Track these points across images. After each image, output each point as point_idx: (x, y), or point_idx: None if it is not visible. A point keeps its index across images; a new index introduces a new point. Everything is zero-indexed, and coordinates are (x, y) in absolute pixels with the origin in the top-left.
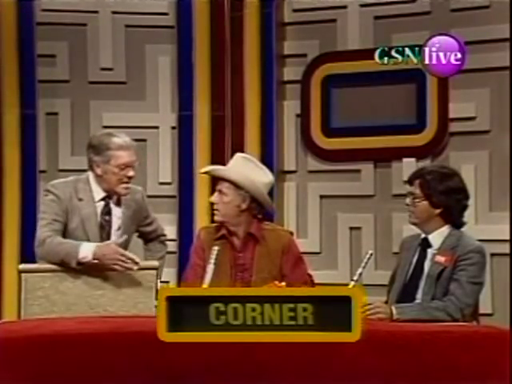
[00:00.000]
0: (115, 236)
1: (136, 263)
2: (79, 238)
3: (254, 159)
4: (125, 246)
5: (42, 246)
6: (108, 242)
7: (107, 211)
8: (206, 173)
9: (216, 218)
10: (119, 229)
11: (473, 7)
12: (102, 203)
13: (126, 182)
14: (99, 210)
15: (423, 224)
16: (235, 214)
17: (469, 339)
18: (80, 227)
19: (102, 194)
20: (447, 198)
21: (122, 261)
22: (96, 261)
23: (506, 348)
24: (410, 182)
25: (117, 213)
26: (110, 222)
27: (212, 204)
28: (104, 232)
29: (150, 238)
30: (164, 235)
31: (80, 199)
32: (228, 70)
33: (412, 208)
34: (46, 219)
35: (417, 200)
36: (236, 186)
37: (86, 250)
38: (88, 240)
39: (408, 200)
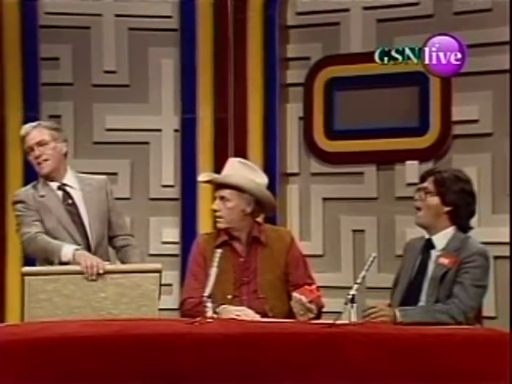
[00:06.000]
0: (92, 220)
1: (99, 273)
2: (55, 229)
3: (248, 162)
4: (101, 237)
5: (31, 245)
6: (85, 252)
7: (67, 196)
8: (207, 182)
9: (220, 225)
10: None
11: (475, 10)
12: (60, 193)
13: (38, 163)
14: (61, 199)
15: (429, 222)
16: (240, 218)
17: (472, 342)
18: (54, 219)
19: (56, 184)
20: (459, 198)
21: (97, 265)
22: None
23: (508, 351)
24: (423, 178)
25: (78, 196)
26: (75, 205)
27: (214, 211)
28: (73, 215)
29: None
30: (131, 235)
31: (41, 196)
32: (231, 72)
33: (420, 203)
34: (26, 221)
35: (428, 195)
36: (240, 190)
37: (67, 252)
38: (63, 227)
39: (417, 195)
